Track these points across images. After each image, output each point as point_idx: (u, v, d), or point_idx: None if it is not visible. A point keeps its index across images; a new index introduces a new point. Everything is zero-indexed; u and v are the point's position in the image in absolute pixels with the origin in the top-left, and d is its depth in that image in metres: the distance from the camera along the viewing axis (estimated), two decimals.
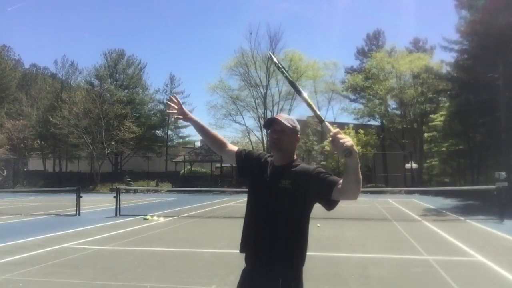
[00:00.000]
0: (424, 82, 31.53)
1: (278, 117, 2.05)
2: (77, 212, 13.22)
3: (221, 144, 2.34)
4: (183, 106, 2.36)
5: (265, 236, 1.96)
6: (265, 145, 34.55)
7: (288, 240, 1.93)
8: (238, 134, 38.12)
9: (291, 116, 2.14)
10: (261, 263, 1.96)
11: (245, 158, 2.22)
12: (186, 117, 2.35)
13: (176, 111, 2.34)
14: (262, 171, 2.08)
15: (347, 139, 1.66)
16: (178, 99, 2.35)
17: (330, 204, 1.91)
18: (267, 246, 1.95)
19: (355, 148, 1.67)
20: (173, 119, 2.36)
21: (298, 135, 2.10)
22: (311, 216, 2.02)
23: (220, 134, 2.46)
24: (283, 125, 2.02)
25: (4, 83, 45.87)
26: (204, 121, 2.46)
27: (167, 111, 2.38)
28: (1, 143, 38.69)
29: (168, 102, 2.37)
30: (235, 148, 2.33)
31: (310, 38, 76.67)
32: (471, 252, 6.96)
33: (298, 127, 2.08)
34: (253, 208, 2.07)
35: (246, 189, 2.16)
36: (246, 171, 2.19)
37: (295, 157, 2.09)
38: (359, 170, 1.72)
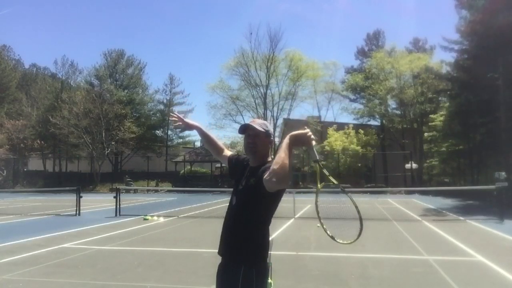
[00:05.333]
0: (424, 82, 31.51)
1: (252, 123, 2.22)
2: (77, 212, 13.22)
3: (219, 150, 2.61)
4: (184, 119, 2.66)
5: (230, 229, 2.15)
6: None
7: (246, 232, 2.08)
8: (238, 134, 38.09)
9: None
10: (225, 254, 2.15)
11: (234, 163, 2.46)
12: (190, 127, 2.65)
13: (180, 123, 2.65)
14: (242, 172, 2.25)
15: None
16: (177, 114, 2.66)
17: (270, 196, 2.01)
18: (230, 238, 2.14)
19: (294, 133, 1.96)
20: (179, 130, 2.61)
21: (271, 138, 2.26)
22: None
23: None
24: (257, 130, 2.18)
25: (4, 83, 45.83)
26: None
27: (173, 125, 2.69)
28: (1, 143, 38.66)
29: (171, 119, 2.69)
30: (228, 153, 2.59)
31: (310, 38, 76.84)
32: (471, 252, 6.96)
33: (271, 130, 2.27)
34: (228, 205, 2.25)
35: None
36: (233, 173, 2.39)
37: (269, 159, 2.20)
38: (282, 153, 1.88)
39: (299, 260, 6.45)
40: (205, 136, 2.61)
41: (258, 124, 2.21)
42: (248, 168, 2.23)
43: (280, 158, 1.88)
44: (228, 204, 2.27)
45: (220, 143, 2.64)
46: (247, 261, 2.03)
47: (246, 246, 2.06)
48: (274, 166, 1.87)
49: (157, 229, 10.01)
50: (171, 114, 2.66)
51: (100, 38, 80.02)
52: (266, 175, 1.91)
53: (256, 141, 2.18)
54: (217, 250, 2.22)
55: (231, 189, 2.30)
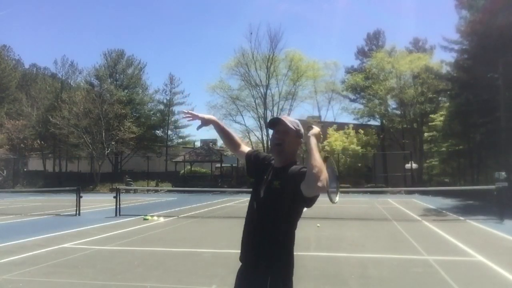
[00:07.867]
0: (424, 82, 31.50)
1: (283, 118, 2.06)
2: (77, 212, 13.21)
3: (235, 145, 2.42)
4: (198, 114, 2.43)
5: (254, 236, 2.02)
6: (265, 145, 34.52)
7: (273, 239, 1.96)
8: (238, 134, 38.08)
9: (293, 117, 2.15)
10: (248, 262, 2.03)
11: (253, 160, 2.29)
12: (206, 122, 2.42)
13: (193, 119, 2.43)
14: (264, 172, 2.11)
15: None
16: (191, 112, 2.44)
17: (306, 201, 1.88)
18: (254, 245, 2.01)
19: (317, 133, 1.96)
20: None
21: (301, 140, 2.09)
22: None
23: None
24: (287, 127, 2.03)
25: (4, 83, 45.83)
26: None
27: (188, 120, 2.47)
28: (1, 143, 38.67)
29: (184, 117, 2.47)
30: (246, 149, 2.41)
31: (310, 38, 76.91)
32: (471, 252, 6.96)
33: (302, 131, 2.09)
34: (249, 208, 2.12)
35: (246, 189, 2.20)
36: (252, 172, 2.25)
37: (295, 161, 2.08)
38: (315, 155, 1.80)
39: (299, 260, 6.40)
40: (221, 130, 2.43)
41: (289, 121, 2.06)
42: (270, 168, 2.10)
43: (318, 162, 1.77)
44: (249, 203, 2.14)
45: (238, 137, 2.48)
46: (272, 270, 1.94)
47: (272, 254, 1.96)
48: (314, 170, 1.75)
49: (157, 229, 10.01)
50: (183, 112, 2.47)
51: (100, 38, 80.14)
52: (307, 183, 1.78)
53: (285, 139, 2.04)
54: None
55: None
